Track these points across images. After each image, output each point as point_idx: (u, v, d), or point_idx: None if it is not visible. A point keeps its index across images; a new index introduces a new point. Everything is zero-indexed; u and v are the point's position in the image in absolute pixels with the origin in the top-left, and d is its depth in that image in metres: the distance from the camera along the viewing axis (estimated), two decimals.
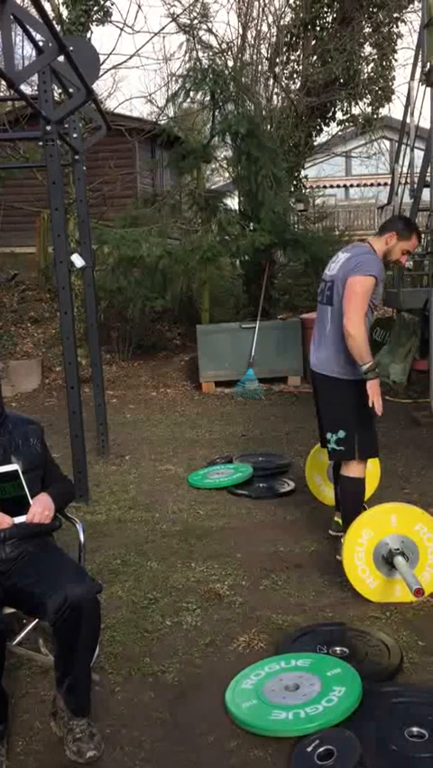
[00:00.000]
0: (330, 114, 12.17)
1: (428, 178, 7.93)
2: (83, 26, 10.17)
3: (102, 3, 10.55)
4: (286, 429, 6.82)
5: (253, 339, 8.97)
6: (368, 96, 12.08)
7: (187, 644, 3.07)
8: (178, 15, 11.24)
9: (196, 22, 10.90)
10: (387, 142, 16.30)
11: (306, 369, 8.98)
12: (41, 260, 11.64)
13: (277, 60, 11.83)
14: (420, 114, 8.66)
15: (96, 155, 11.02)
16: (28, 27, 3.94)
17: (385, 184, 16.60)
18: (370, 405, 3.61)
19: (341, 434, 3.74)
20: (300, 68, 12.00)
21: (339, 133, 13.45)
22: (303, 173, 12.37)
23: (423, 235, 12.22)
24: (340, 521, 4.03)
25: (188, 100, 9.80)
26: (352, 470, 3.81)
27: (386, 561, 3.35)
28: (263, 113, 10.97)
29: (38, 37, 4.13)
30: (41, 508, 2.58)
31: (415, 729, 2.35)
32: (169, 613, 3.35)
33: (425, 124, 8.33)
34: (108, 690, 2.76)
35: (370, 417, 3.74)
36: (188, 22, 10.73)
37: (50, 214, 4.89)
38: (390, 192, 10.27)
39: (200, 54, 9.54)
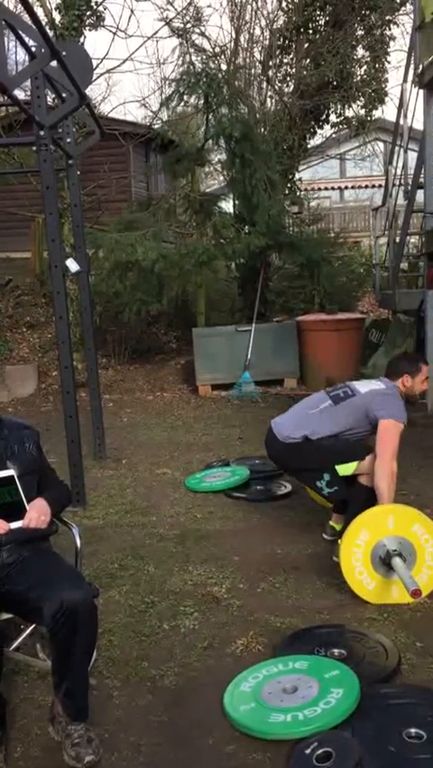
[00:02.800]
0: (324, 116, 12.21)
1: (421, 180, 7.95)
2: (76, 31, 10.20)
3: (95, 8, 10.58)
4: None
5: (249, 342, 8.98)
6: (361, 98, 12.12)
7: (184, 648, 3.07)
8: (171, 19, 11.26)
9: (189, 25, 10.92)
10: (381, 144, 16.35)
11: (302, 371, 9.01)
12: (37, 265, 11.63)
13: (270, 63, 11.86)
14: (414, 115, 8.70)
15: (91, 159, 11.02)
16: (20, 32, 3.95)
17: (379, 186, 16.63)
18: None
19: (326, 477, 3.79)
20: (294, 71, 12.03)
21: (333, 136, 13.50)
22: (297, 176, 12.39)
23: (418, 237, 12.31)
24: (336, 525, 4.04)
25: (182, 104, 9.81)
26: (367, 478, 3.80)
27: (384, 562, 3.35)
28: (257, 116, 10.98)
29: (31, 42, 4.14)
30: (37, 513, 2.58)
31: (413, 731, 2.34)
32: (166, 617, 3.35)
33: (418, 126, 8.36)
34: (106, 695, 2.76)
35: (334, 446, 3.81)
36: (182, 25, 10.74)
37: (44, 219, 4.90)
38: (384, 194, 10.30)
39: (194, 58, 9.55)
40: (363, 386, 3.97)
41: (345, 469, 3.77)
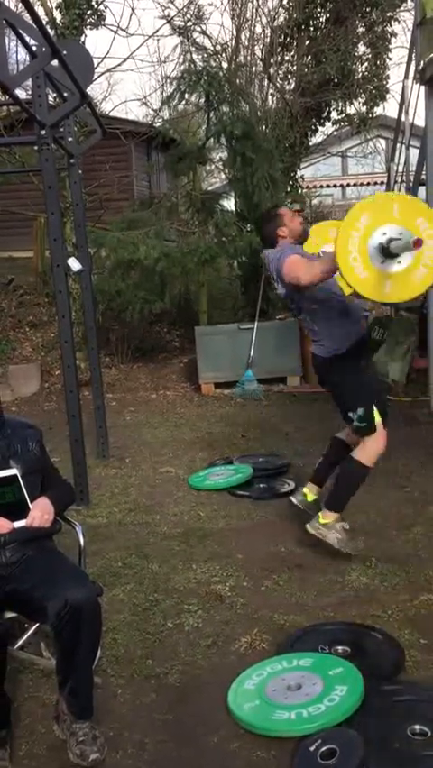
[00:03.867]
0: (325, 113, 12.18)
1: (423, 177, 7.93)
2: (77, 30, 10.18)
3: (95, 6, 10.57)
4: (286, 429, 6.82)
5: (252, 340, 8.97)
6: (363, 95, 12.08)
7: (189, 646, 3.07)
8: (172, 18, 11.24)
9: (190, 24, 10.90)
10: (382, 141, 16.31)
11: (305, 369, 9.00)
12: (39, 264, 11.64)
13: (271, 61, 11.84)
14: (415, 112, 8.68)
15: (92, 158, 11.02)
16: (21, 32, 3.95)
17: (382, 183, 16.61)
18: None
19: (360, 411, 3.73)
20: (295, 68, 12.01)
21: (335, 133, 13.46)
22: (299, 173, 12.37)
23: None
24: (308, 494, 4.08)
25: (183, 102, 9.81)
26: (365, 453, 3.78)
27: (381, 250, 3.13)
28: (258, 114, 10.97)
29: (32, 42, 4.14)
30: (40, 512, 2.59)
31: (417, 727, 2.35)
32: (170, 615, 3.35)
33: (420, 123, 8.34)
34: (111, 693, 2.77)
35: (373, 385, 3.82)
36: (183, 24, 10.72)
37: (46, 219, 4.90)
38: (386, 191, 10.28)
39: (195, 56, 9.54)
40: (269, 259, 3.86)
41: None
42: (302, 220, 3.98)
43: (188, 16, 10.81)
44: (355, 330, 3.83)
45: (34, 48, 4.12)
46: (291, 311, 3.98)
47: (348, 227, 3.16)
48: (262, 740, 2.43)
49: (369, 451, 3.77)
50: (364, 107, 12.24)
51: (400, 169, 9.04)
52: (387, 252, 3.13)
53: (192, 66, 9.29)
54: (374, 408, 3.72)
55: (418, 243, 2.97)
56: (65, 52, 4.17)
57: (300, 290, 3.66)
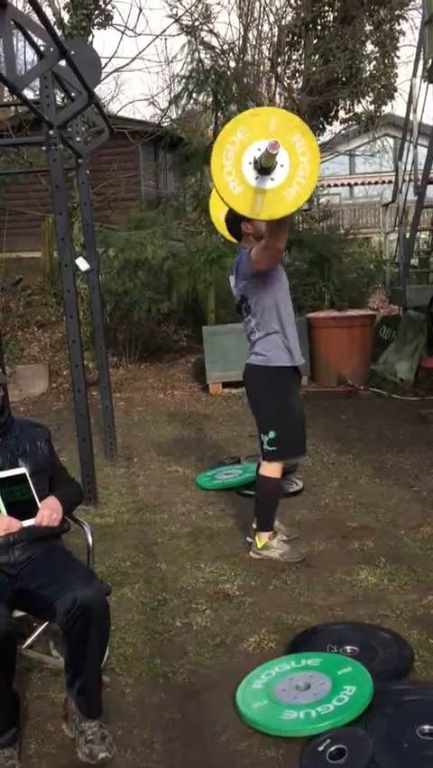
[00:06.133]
0: (333, 112, 12.18)
1: (432, 175, 7.91)
2: (84, 30, 10.22)
3: (103, 7, 10.59)
4: None
5: None
6: (370, 93, 12.08)
7: (197, 645, 3.07)
8: (180, 17, 11.26)
9: (198, 23, 10.92)
10: (390, 140, 16.29)
11: (313, 368, 8.99)
12: (47, 264, 11.67)
13: (279, 60, 11.84)
14: (423, 111, 8.66)
15: (100, 158, 11.04)
16: (29, 32, 3.96)
17: (389, 182, 16.57)
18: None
19: (271, 435, 3.77)
20: (302, 67, 12.00)
21: (342, 132, 13.45)
22: None
23: (428, 233, 12.26)
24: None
25: (191, 102, 9.83)
26: (270, 470, 3.85)
27: (255, 166, 3.05)
28: None
29: (39, 42, 4.15)
30: (49, 511, 2.60)
31: (426, 727, 2.34)
32: (179, 614, 3.35)
33: (428, 121, 8.34)
34: (119, 692, 2.77)
35: (295, 414, 3.83)
36: (190, 23, 10.74)
37: (54, 219, 4.91)
38: (394, 190, 10.26)
39: (202, 55, 9.57)
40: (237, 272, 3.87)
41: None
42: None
43: (196, 15, 10.83)
44: (297, 355, 3.86)
45: (42, 48, 4.13)
46: (239, 311, 3.93)
47: (223, 141, 3.09)
48: (270, 740, 2.43)
49: (273, 464, 3.84)
50: (372, 106, 12.23)
51: (409, 167, 9.01)
52: (260, 168, 3.04)
53: (200, 65, 9.32)
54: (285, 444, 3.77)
55: (274, 146, 2.85)
56: (73, 52, 4.17)
57: (266, 274, 3.63)
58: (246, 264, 3.70)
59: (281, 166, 3.05)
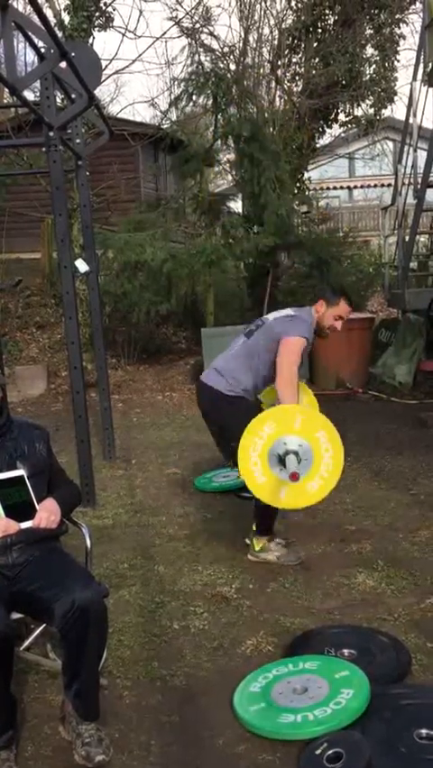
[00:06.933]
0: (333, 115, 12.17)
1: (431, 179, 7.92)
2: (85, 32, 10.23)
3: (104, 8, 10.61)
4: None
5: None
6: (370, 97, 12.06)
7: (194, 648, 3.07)
8: (180, 19, 11.27)
9: (198, 25, 10.93)
10: (390, 143, 16.32)
11: (312, 371, 8.99)
12: (46, 265, 11.67)
13: (279, 63, 11.83)
14: (423, 114, 8.67)
15: (100, 160, 11.05)
16: (30, 34, 3.96)
17: (389, 185, 16.60)
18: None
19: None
20: (302, 70, 11.99)
21: (342, 135, 13.45)
22: (306, 175, 12.37)
23: (428, 236, 12.27)
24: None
25: (191, 104, 9.82)
26: None
27: (280, 459, 3.30)
28: (266, 115, 10.98)
29: (40, 44, 4.15)
30: (47, 513, 2.59)
31: (424, 731, 2.33)
32: (176, 617, 3.35)
33: (428, 125, 8.36)
34: (116, 695, 2.76)
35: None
36: (191, 25, 10.75)
37: (53, 220, 4.91)
38: (393, 193, 10.28)
39: (203, 58, 9.57)
40: (274, 314, 3.94)
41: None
42: (340, 328, 3.93)
43: (196, 18, 10.84)
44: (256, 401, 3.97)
45: (42, 50, 4.13)
46: (247, 326, 4.01)
47: (252, 433, 3.36)
48: (267, 743, 2.43)
49: None
50: (372, 109, 12.23)
51: (408, 171, 9.03)
52: (284, 462, 3.27)
53: (200, 68, 9.32)
54: None
55: (294, 477, 3.13)
56: (73, 54, 4.18)
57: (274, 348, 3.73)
58: (278, 336, 3.73)
59: (305, 460, 3.27)
